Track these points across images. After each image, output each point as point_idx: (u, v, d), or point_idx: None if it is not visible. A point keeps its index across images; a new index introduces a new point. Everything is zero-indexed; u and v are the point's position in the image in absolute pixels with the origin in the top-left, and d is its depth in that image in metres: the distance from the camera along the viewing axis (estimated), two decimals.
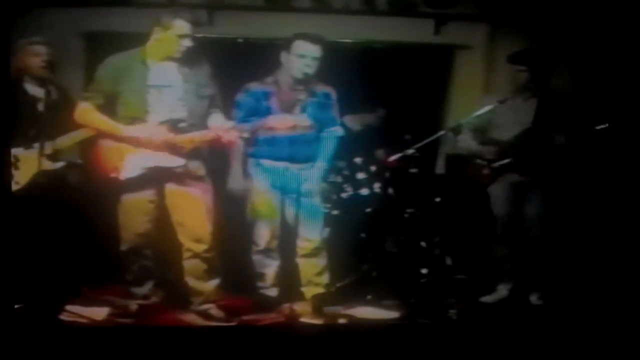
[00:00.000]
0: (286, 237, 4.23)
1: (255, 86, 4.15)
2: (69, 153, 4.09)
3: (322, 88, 4.20)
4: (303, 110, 4.07)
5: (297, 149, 4.11)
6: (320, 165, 4.22)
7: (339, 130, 4.27)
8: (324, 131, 4.22)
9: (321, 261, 4.19)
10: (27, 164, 3.98)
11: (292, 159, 4.11)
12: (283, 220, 4.22)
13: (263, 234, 4.19)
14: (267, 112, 4.06)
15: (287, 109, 4.06)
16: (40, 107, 3.97)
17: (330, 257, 4.27)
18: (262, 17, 5.35)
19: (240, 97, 4.15)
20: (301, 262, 4.21)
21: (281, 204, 4.21)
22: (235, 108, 4.13)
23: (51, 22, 4.85)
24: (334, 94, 4.25)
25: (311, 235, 4.17)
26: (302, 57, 4.02)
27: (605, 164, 4.87)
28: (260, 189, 4.18)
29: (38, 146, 3.92)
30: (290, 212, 4.20)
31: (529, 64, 4.46)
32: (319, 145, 4.21)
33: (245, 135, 3.88)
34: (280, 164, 4.15)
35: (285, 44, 4.10)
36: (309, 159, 4.19)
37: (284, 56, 4.10)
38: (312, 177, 4.20)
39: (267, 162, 4.18)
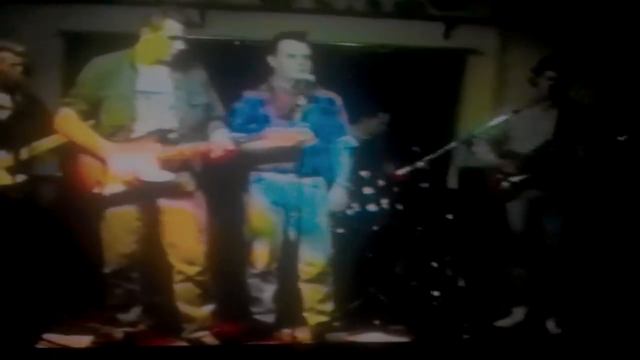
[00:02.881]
0: (287, 259, 4.08)
1: (250, 93, 4.06)
2: (38, 163, 3.99)
3: (324, 93, 4.07)
4: (304, 117, 3.89)
5: (302, 161, 3.89)
6: (329, 179, 4.08)
7: (351, 140, 4.13)
8: (333, 141, 4.09)
9: (326, 287, 4.05)
10: None
11: (297, 172, 3.90)
12: (284, 241, 4.06)
13: (261, 255, 4.05)
14: (264, 119, 3.94)
15: (285, 115, 3.92)
16: (3, 115, 3.93)
17: (335, 280, 4.14)
18: (259, 17, 5.30)
19: (237, 105, 4.05)
20: (304, 287, 4.06)
21: (283, 222, 4.05)
22: (231, 116, 4.01)
23: (25, 20, 4.79)
24: (338, 100, 4.12)
25: (316, 258, 4.04)
26: (292, 57, 3.92)
27: (629, 179, 4.79)
28: (260, 205, 4.03)
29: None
30: (292, 231, 4.04)
31: (554, 72, 4.38)
32: (327, 156, 4.08)
33: (242, 146, 3.74)
34: (283, 177, 3.98)
35: (270, 47, 3.99)
36: (316, 172, 4.03)
37: (272, 60, 3.99)
38: (318, 192, 4.04)
39: (268, 175, 4.03)
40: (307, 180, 3.98)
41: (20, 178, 3.93)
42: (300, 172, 3.88)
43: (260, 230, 4.03)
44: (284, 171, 3.97)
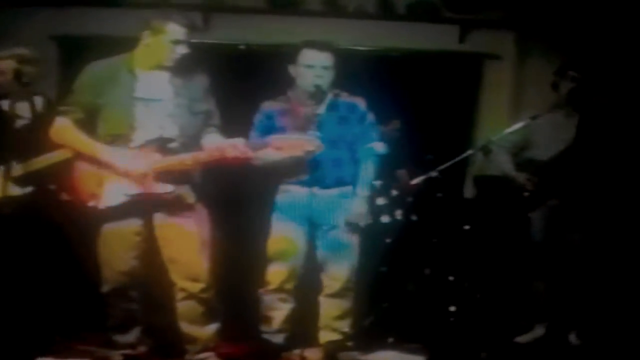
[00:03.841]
0: (308, 274, 4.03)
1: (268, 105, 4.01)
2: (41, 177, 3.95)
3: (346, 98, 4.00)
4: (319, 127, 3.80)
5: (325, 171, 3.85)
6: (354, 190, 3.97)
7: (378, 147, 4.02)
8: (359, 149, 3.98)
9: (346, 304, 3.99)
10: None
11: (319, 184, 3.85)
12: (307, 256, 3.99)
13: (279, 272, 3.96)
14: (282, 131, 3.83)
15: (302, 126, 3.80)
16: (19, 124, 3.96)
17: (355, 297, 4.09)
18: (265, 20, 5.28)
19: (256, 117, 4.00)
20: (324, 301, 4.01)
21: (306, 238, 3.97)
22: (252, 131, 3.97)
23: (16, 25, 4.77)
24: (362, 105, 4.02)
25: (339, 273, 3.96)
26: (311, 68, 3.85)
27: None
28: (281, 221, 3.96)
29: (3, 168, 3.77)
30: (315, 245, 3.98)
31: (578, 74, 4.35)
32: (351, 166, 3.98)
33: (255, 154, 3.65)
34: (305, 190, 3.86)
35: (291, 55, 3.94)
36: (340, 183, 3.94)
37: (292, 69, 3.94)
38: (343, 204, 3.94)
39: (289, 188, 3.95)
40: (333, 192, 3.92)
41: (28, 190, 3.94)
42: (322, 183, 3.85)
43: (280, 250, 3.96)
44: (304, 183, 3.87)
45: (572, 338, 4.37)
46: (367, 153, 3.97)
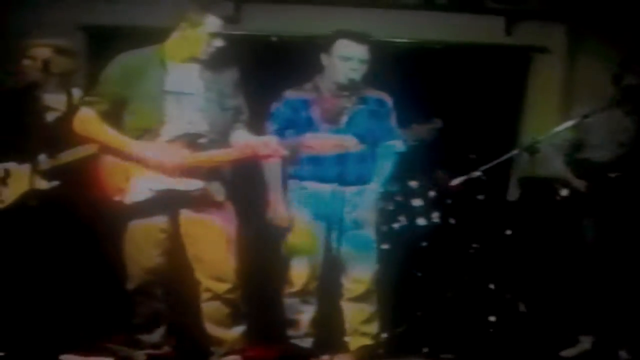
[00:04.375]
0: (329, 276, 4.09)
1: (292, 94, 4.05)
2: (68, 171, 4.02)
3: (373, 94, 4.07)
4: (351, 120, 3.93)
5: (347, 168, 3.95)
6: (375, 188, 4.07)
7: (399, 145, 4.10)
8: (380, 146, 4.07)
9: (371, 307, 4.06)
10: (18, 181, 3.96)
11: (340, 180, 3.96)
12: (327, 256, 4.06)
13: (301, 273, 4.04)
14: (307, 123, 3.94)
15: (331, 119, 3.93)
16: (50, 117, 4.04)
17: (380, 300, 4.14)
18: (298, 11, 5.32)
19: (276, 107, 4.05)
20: (347, 306, 4.08)
21: (325, 236, 4.05)
22: (269, 120, 4.03)
23: (44, 14, 4.86)
24: (389, 101, 4.11)
25: (362, 275, 4.03)
26: (347, 60, 3.90)
27: None
28: (300, 217, 4.03)
29: (31, 161, 3.84)
30: (336, 246, 4.05)
31: None
32: (374, 163, 4.07)
33: (284, 151, 3.71)
34: (326, 187, 4.00)
35: (325, 44, 3.99)
36: (362, 180, 4.03)
37: (325, 58, 3.99)
38: (364, 202, 4.03)
39: (309, 185, 4.04)
40: (352, 189, 4.00)
41: (54, 184, 4.01)
42: (343, 180, 3.94)
43: (300, 246, 4.03)
44: (325, 179, 3.98)
45: (623, 355, 4.35)
46: (388, 150, 4.06)
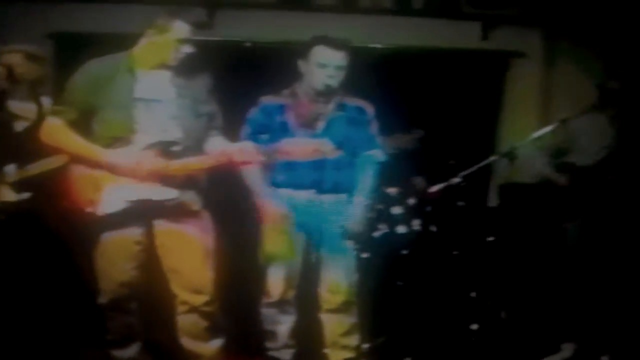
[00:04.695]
0: (307, 287, 4.05)
1: (268, 99, 4.03)
2: (38, 183, 3.98)
3: (353, 101, 4.04)
4: (327, 127, 3.90)
5: (323, 175, 3.92)
6: (354, 197, 4.02)
7: (378, 154, 4.07)
8: (359, 154, 4.04)
9: (350, 319, 4.02)
10: None
11: (317, 188, 3.93)
12: (304, 265, 4.03)
13: (278, 282, 4.00)
14: (282, 128, 3.91)
15: (307, 124, 3.90)
16: (20, 126, 4.03)
17: (360, 311, 4.10)
18: (273, 16, 5.34)
19: (251, 112, 4.03)
20: (325, 318, 4.04)
21: (302, 244, 4.01)
22: (244, 125, 4.00)
23: (11, 21, 4.84)
24: (369, 110, 4.08)
25: (340, 285, 3.99)
26: (324, 67, 3.88)
27: None
28: (275, 225, 3.93)
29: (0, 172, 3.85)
30: (313, 255, 4.03)
31: (628, 73, 4.35)
32: (352, 171, 4.03)
33: (260, 158, 3.68)
34: (302, 194, 3.96)
35: (303, 51, 3.96)
36: (339, 189, 4.00)
37: (302, 65, 3.97)
38: (341, 211, 4.00)
39: (285, 192, 3.98)
40: (330, 197, 3.97)
41: (25, 195, 3.97)
42: (320, 188, 3.91)
43: (276, 254, 3.96)
44: (302, 187, 3.94)
45: None
46: (367, 160, 4.03)
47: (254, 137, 3.89)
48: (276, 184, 4.00)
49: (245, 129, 3.98)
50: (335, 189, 3.98)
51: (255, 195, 3.93)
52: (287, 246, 3.95)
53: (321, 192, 3.94)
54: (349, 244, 4.04)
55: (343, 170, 3.98)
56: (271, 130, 3.92)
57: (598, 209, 4.34)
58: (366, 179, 4.04)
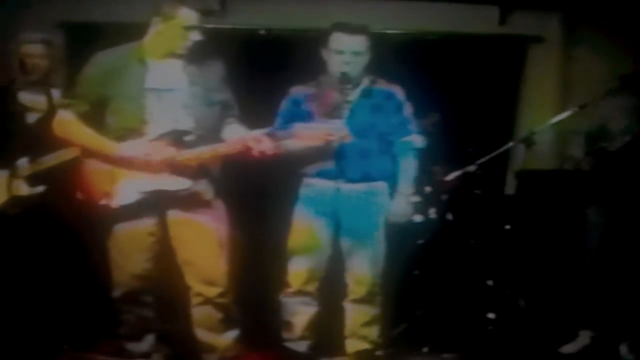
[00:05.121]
0: (332, 276, 4.02)
1: (297, 90, 4.04)
2: (51, 176, 3.99)
3: (382, 86, 4.01)
4: (351, 115, 3.84)
5: (350, 164, 3.86)
6: (392, 188, 3.99)
7: (416, 140, 4.03)
8: (393, 141, 4.00)
9: (374, 310, 4.00)
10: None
11: (345, 177, 3.87)
12: (329, 256, 4.00)
13: (299, 273, 3.98)
14: (308, 117, 3.87)
15: (331, 112, 3.82)
16: (31, 118, 4.03)
17: (383, 302, 4.09)
18: (288, 2, 5.29)
19: (283, 103, 4.05)
20: (349, 308, 4.03)
21: (327, 235, 3.97)
22: (277, 117, 4.02)
23: (22, 11, 4.84)
24: (400, 94, 4.04)
25: (366, 276, 3.97)
26: (340, 54, 3.86)
27: None
28: (302, 215, 3.97)
29: (11, 167, 3.86)
30: (340, 246, 3.98)
31: None
32: (382, 159, 3.99)
33: (280, 145, 3.67)
34: (331, 184, 3.90)
35: (323, 38, 3.95)
36: (368, 177, 3.95)
37: (324, 52, 3.96)
38: (373, 200, 3.96)
39: (312, 182, 3.97)
40: (360, 187, 3.92)
41: (38, 190, 3.99)
42: (347, 177, 3.86)
43: (301, 245, 3.97)
44: (328, 176, 3.90)
45: (623, 350, 4.32)
46: (404, 147, 3.99)
47: (282, 127, 3.85)
48: (303, 174, 3.99)
49: (277, 121, 3.96)
50: (364, 178, 3.93)
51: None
52: (312, 239, 3.95)
53: (348, 181, 3.89)
54: (380, 234, 4.00)
55: (370, 158, 3.94)
56: (299, 120, 3.85)
57: (621, 194, 4.28)
58: (403, 167, 4.00)
